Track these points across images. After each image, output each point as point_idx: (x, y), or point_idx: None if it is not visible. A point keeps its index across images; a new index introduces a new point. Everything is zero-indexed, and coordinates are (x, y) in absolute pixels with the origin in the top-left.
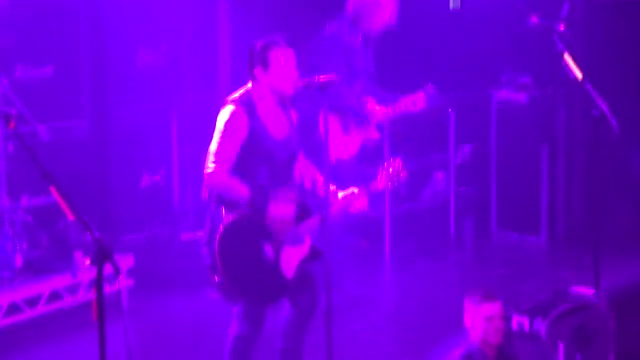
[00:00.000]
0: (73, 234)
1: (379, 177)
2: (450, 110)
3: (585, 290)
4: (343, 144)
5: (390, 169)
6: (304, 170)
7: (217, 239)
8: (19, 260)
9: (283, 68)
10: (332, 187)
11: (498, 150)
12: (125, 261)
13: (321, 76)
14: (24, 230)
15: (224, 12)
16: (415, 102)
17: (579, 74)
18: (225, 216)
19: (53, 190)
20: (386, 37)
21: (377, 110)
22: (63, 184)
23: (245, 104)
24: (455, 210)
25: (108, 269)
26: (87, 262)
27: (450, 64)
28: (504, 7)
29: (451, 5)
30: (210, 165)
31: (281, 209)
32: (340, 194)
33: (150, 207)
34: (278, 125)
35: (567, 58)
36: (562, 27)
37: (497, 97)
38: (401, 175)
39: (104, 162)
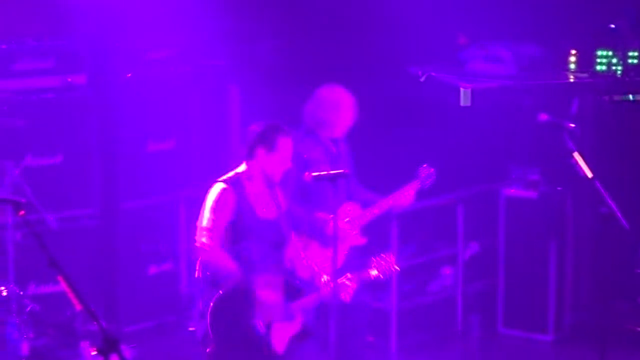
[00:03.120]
0: (80, 323)
1: (370, 267)
2: (458, 205)
3: None
4: (324, 257)
5: (383, 263)
6: (297, 255)
7: (210, 309)
8: (25, 349)
9: (285, 155)
10: (325, 277)
11: (506, 246)
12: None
13: (330, 169)
14: (31, 318)
15: (235, 103)
16: (405, 194)
17: (588, 172)
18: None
19: (60, 279)
20: (395, 132)
21: (359, 215)
22: (70, 273)
23: (234, 183)
24: (462, 306)
25: (114, 359)
26: (94, 351)
27: (459, 159)
28: (514, 103)
29: (462, 101)
30: (202, 240)
31: (267, 295)
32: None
33: (157, 297)
34: (265, 205)
35: (577, 156)
36: (571, 125)
37: (506, 193)
38: (392, 270)
39: (112, 252)
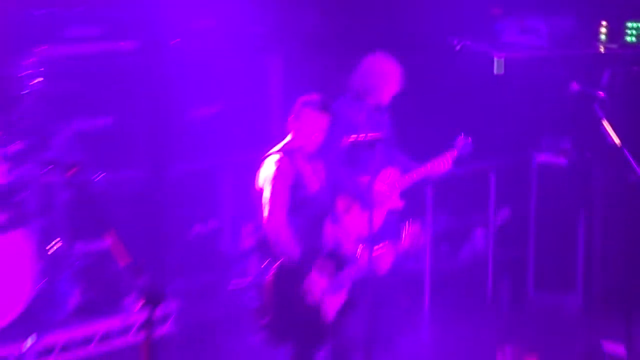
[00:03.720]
0: (126, 278)
1: (402, 237)
2: (491, 172)
3: (617, 348)
4: (364, 220)
5: (412, 233)
6: (340, 227)
7: (268, 281)
8: (73, 303)
9: (309, 128)
10: (361, 247)
11: (537, 212)
12: (171, 307)
13: (369, 134)
14: (79, 273)
15: (276, 71)
16: (443, 162)
17: (617, 140)
18: (273, 263)
19: (108, 236)
20: (430, 100)
21: (398, 179)
22: (118, 230)
23: (287, 153)
24: (493, 271)
25: (158, 312)
26: (138, 305)
27: (492, 126)
28: (546, 73)
29: (495, 70)
30: (266, 214)
31: (319, 269)
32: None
33: (200, 255)
34: (310, 177)
35: (606, 125)
36: (602, 95)
37: (538, 160)
38: (421, 241)
39: (158, 211)
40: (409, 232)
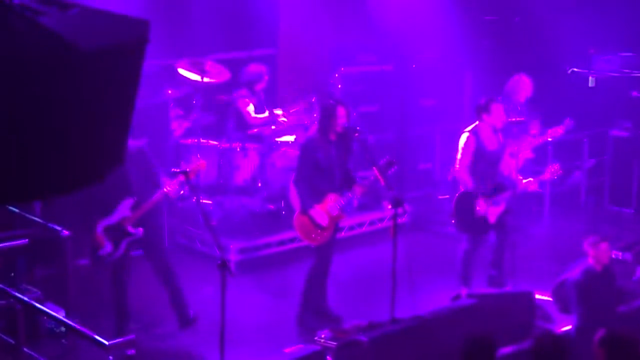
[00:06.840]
0: (384, 191)
1: (545, 172)
2: (585, 139)
3: None
4: (514, 163)
5: (552, 169)
6: (506, 167)
7: (455, 199)
8: (355, 203)
9: (497, 114)
10: (520, 177)
11: (611, 161)
12: (407, 208)
13: (516, 118)
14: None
15: (469, 82)
16: (559, 130)
17: None
18: (459, 189)
19: (375, 168)
20: (553, 99)
21: (533, 141)
22: (378, 166)
23: (474, 132)
24: (585, 191)
25: (399, 210)
26: (389, 205)
27: (587, 113)
28: (619, 85)
29: (590, 84)
30: (456, 165)
31: (483, 200)
32: (524, 181)
33: (422, 180)
34: (491, 143)
35: None
36: None
37: (612, 133)
38: (558, 173)
39: (401, 157)
40: (549, 169)
